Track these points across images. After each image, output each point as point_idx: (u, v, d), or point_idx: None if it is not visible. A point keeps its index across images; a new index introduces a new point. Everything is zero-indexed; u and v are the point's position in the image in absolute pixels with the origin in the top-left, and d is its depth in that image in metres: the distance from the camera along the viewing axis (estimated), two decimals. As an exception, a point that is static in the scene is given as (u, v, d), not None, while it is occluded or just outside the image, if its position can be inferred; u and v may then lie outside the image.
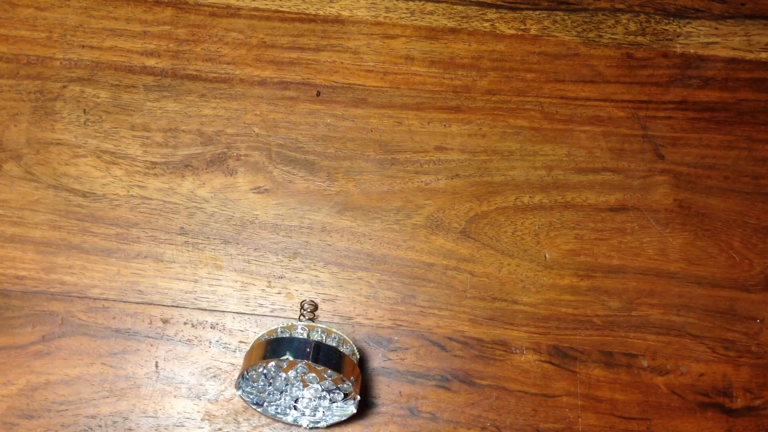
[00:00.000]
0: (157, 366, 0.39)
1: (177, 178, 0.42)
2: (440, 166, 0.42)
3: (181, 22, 0.44)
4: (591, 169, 0.43)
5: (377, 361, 0.39)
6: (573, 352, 0.40)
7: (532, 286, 0.41)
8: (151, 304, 0.40)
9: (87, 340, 0.39)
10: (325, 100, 0.43)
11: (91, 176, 0.41)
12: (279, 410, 0.36)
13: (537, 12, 0.45)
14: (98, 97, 0.43)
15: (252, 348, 0.35)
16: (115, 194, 0.41)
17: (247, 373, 0.34)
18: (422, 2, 0.45)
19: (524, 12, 0.45)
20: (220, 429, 0.37)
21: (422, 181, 0.42)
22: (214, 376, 0.38)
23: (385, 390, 0.39)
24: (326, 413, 0.36)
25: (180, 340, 0.39)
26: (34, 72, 0.43)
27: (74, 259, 0.40)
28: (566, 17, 0.45)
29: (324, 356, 0.34)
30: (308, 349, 0.33)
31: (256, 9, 0.45)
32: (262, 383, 0.35)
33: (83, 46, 0.44)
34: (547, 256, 0.41)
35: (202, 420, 0.38)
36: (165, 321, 0.39)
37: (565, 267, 0.41)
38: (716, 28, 0.45)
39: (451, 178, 0.42)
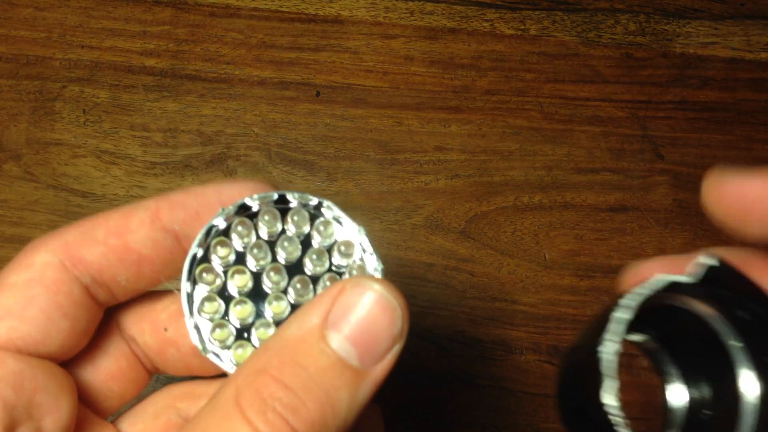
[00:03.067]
0: (156, 366, 0.38)
1: (176, 179, 0.42)
2: (440, 166, 0.42)
3: (181, 22, 0.44)
4: (590, 169, 0.43)
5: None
6: (573, 352, 0.40)
7: (531, 286, 0.41)
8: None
9: (86, 340, 0.39)
10: (325, 100, 0.43)
11: (90, 176, 0.41)
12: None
13: (536, 12, 0.45)
14: (98, 97, 0.43)
15: None
16: (114, 194, 0.41)
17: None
18: (422, 2, 0.45)
19: (524, 12, 0.45)
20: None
21: (422, 181, 0.42)
22: (214, 377, 0.38)
23: (385, 390, 0.39)
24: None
25: (180, 341, 0.39)
26: (33, 72, 0.43)
27: (74, 259, 0.40)
28: (566, 17, 0.45)
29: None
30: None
31: (256, 9, 0.44)
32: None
33: (83, 46, 0.44)
34: (546, 256, 0.41)
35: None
36: (165, 321, 0.39)
37: (565, 267, 0.41)
38: (716, 29, 0.45)
39: (451, 178, 0.42)
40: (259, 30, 0.44)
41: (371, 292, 0.19)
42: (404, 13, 0.45)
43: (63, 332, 0.22)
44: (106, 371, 0.24)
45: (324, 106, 0.43)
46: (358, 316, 0.19)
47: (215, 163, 0.42)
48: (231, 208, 0.23)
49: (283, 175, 0.42)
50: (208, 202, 0.24)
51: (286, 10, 0.45)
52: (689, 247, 0.42)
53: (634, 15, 0.46)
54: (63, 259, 0.22)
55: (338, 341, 0.18)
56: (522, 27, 0.45)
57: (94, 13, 0.44)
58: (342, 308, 0.19)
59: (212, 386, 0.25)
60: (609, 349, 0.19)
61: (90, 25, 0.44)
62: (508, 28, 0.45)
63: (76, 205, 0.41)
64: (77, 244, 0.22)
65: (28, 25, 0.44)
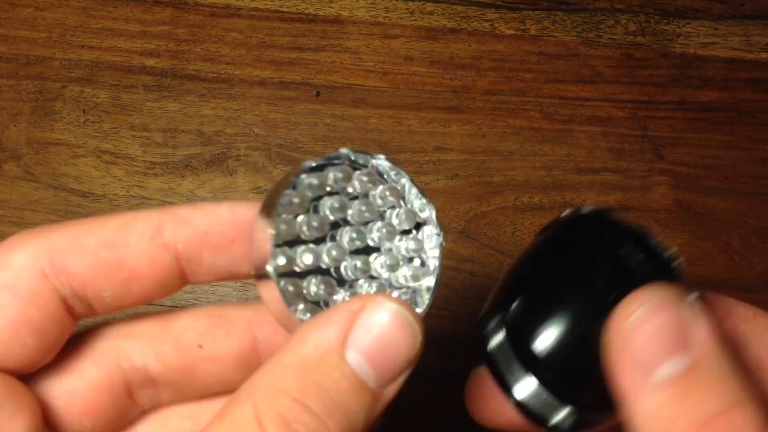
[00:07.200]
0: (156, 366, 0.38)
1: (176, 178, 0.42)
2: (440, 166, 0.42)
3: (181, 22, 0.44)
4: (591, 169, 0.43)
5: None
6: (573, 352, 0.40)
7: (531, 286, 0.41)
8: (151, 304, 0.39)
9: (86, 340, 0.39)
10: (325, 100, 0.43)
11: (90, 176, 0.41)
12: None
13: (536, 12, 0.45)
14: (98, 97, 0.43)
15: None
16: (114, 194, 0.41)
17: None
18: (422, 2, 0.45)
19: (524, 12, 0.45)
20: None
21: (422, 181, 0.42)
22: (214, 377, 0.38)
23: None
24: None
25: (179, 341, 0.39)
26: (33, 72, 0.43)
27: (74, 259, 0.40)
28: (566, 17, 0.45)
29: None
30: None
31: (256, 9, 0.45)
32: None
33: (83, 46, 0.44)
34: (546, 256, 0.41)
35: (202, 420, 0.38)
36: (164, 321, 0.39)
37: (565, 267, 0.41)
38: (716, 29, 0.45)
39: (451, 178, 0.42)
40: (259, 30, 0.44)
41: (392, 313, 0.18)
42: (404, 13, 0.45)
43: (28, 348, 0.19)
44: (78, 390, 0.22)
45: (324, 106, 0.43)
46: (379, 337, 0.18)
47: (215, 163, 0.42)
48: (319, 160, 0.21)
49: (283, 174, 0.42)
50: (219, 222, 0.21)
51: (286, 10, 0.45)
52: (689, 247, 0.42)
53: (634, 15, 0.46)
54: (45, 266, 0.19)
55: (357, 362, 0.18)
56: (522, 27, 0.45)
57: (94, 13, 0.44)
58: (361, 328, 0.18)
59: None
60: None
61: (90, 25, 0.44)
62: (508, 28, 0.45)
63: (76, 205, 0.41)
64: (64, 250, 0.20)
65: (28, 25, 0.44)
